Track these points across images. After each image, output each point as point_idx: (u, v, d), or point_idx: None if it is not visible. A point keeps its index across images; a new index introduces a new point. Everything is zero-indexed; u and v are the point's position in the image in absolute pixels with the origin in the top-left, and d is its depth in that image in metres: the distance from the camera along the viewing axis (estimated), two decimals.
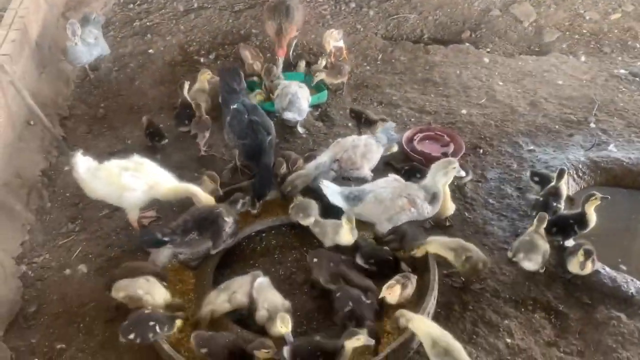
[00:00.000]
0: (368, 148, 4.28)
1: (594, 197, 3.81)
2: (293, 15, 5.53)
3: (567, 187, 4.29)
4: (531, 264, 3.66)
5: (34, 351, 3.41)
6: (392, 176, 4.06)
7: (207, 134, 4.90)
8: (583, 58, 6.34)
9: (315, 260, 3.61)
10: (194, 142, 5.01)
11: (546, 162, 4.73)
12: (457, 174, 3.87)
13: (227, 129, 4.46)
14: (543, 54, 6.46)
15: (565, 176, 4.18)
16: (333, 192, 3.85)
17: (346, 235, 3.70)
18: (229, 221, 3.66)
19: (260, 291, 3.34)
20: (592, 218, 3.84)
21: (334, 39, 5.89)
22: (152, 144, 4.97)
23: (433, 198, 3.81)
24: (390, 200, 3.75)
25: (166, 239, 3.55)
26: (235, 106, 4.46)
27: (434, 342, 3.01)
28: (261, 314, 3.25)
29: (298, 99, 4.94)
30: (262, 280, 3.41)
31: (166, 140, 4.99)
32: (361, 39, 6.56)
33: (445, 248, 3.60)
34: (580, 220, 3.85)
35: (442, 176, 3.80)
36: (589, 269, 3.58)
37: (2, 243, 3.93)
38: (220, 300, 3.33)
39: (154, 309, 3.27)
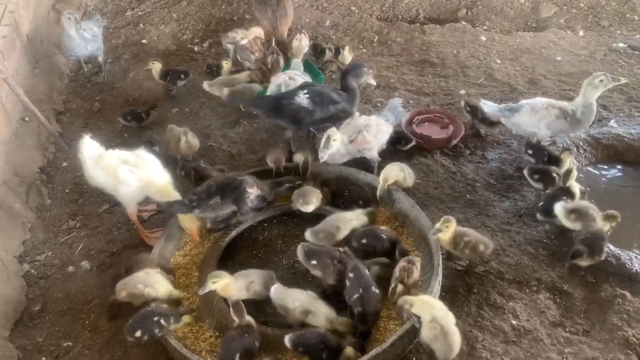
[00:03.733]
0: (379, 128, 4.18)
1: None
2: (285, 10, 5.47)
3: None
4: None
5: (41, 350, 3.40)
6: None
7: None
8: (581, 33, 6.28)
9: (314, 262, 3.33)
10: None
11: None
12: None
13: (303, 104, 4.16)
14: (540, 30, 6.40)
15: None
16: (492, 108, 4.46)
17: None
18: (251, 192, 3.73)
19: (281, 298, 3.22)
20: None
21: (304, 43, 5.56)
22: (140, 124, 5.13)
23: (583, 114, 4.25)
24: (545, 110, 4.26)
25: (193, 204, 3.67)
26: (300, 91, 4.24)
27: (433, 318, 2.96)
28: (297, 311, 3.18)
29: None
30: (276, 287, 3.26)
31: (156, 110, 5.15)
32: (356, 21, 6.50)
33: (444, 245, 3.55)
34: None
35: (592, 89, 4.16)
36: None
37: (3, 242, 3.91)
38: (237, 286, 3.28)
39: (157, 304, 3.26)
